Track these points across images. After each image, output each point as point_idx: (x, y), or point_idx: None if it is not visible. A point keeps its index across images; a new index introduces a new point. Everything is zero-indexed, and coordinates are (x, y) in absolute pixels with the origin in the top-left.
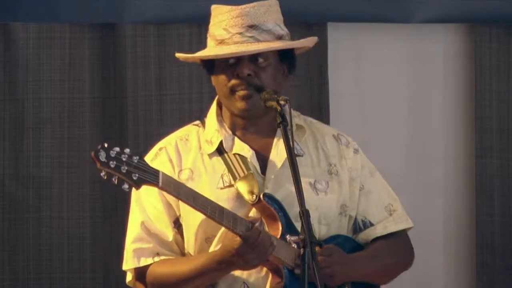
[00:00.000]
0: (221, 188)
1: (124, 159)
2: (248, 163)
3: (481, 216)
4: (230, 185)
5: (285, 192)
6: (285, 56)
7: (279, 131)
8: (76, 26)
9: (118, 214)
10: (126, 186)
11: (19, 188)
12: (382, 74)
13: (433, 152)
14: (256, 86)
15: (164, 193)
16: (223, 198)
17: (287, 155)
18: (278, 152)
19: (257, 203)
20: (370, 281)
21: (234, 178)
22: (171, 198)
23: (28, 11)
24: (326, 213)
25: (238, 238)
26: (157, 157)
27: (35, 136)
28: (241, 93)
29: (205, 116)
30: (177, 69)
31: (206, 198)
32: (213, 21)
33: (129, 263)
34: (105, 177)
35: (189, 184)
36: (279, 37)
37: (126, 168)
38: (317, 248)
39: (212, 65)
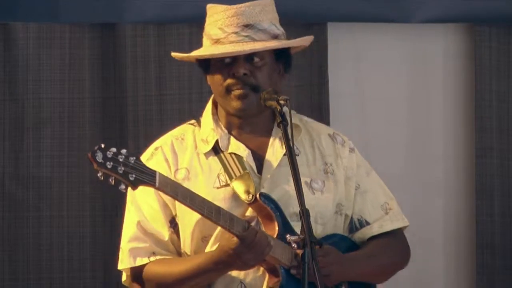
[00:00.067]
0: (218, 188)
1: (121, 160)
2: (244, 163)
3: (481, 216)
4: (226, 185)
5: (281, 192)
6: (281, 56)
7: (274, 131)
8: (76, 26)
9: (118, 214)
10: (123, 186)
11: (19, 187)
12: (382, 74)
13: (433, 152)
14: (252, 85)
15: (160, 192)
16: (219, 198)
17: (287, 155)
18: (274, 152)
19: (253, 203)
20: (367, 280)
21: (230, 178)
22: (167, 198)
23: (28, 11)
24: (322, 212)
25: (235, 239)
26: (153, 157)
27: (35, 136)
28: (237, 92)
29: (201, 115)
30: (177, 69)
31: (203, 198)
32: (208, 20)
33: (124, 263)
34: (102, 178)
35: (186, 184)
36: (275, 37)
37: (123, 168)
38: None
39: (207, 65)
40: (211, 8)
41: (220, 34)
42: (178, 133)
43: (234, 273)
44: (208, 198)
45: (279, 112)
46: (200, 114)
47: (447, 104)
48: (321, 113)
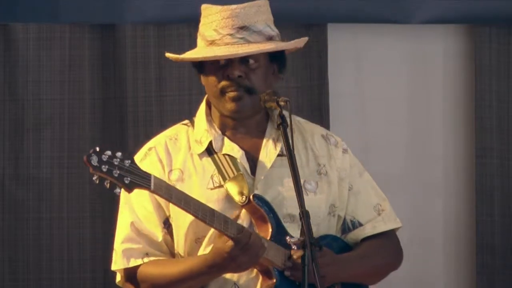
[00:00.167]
0: (211, 189)
1: (116, 163)
2: (237, 164)
3: (481, 216)
4: (220, 186)
5: (274, 193)
6: (276, 57)
7: (268, 132)
8: (76, 27)
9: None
10: (118, 190)
11: (19, 188)
12: (382, 75)
13: (433, 152)
14: (247, 87)
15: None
16: (213, 199)
17: (287, 157)
18: (267, 153)
19: (246, 204)
20: (360, 281)
21: (224, 179)
22: (161, 199)
23: (28, 11)
24: (315, 213)
25: (229, 242)
26: (147, 157)
27: (35, 136)
28: (231, 94)
29: (194, 115)
30: (177, 69)
31: (197, 201)
32: (203, 20)
33: (118, 264)
34: (98, 181)
35: (179, 185)
36: (269, 38)
37: (118, 172)
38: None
39: (202, 65)
40: (206, 9)
41: (215, 35)
42: (172, 134)
43: (228, 275)
44: (202, 199)
45: (279, 113)
46: (194, 114)
47: (447, 104)
48: (321, 114)
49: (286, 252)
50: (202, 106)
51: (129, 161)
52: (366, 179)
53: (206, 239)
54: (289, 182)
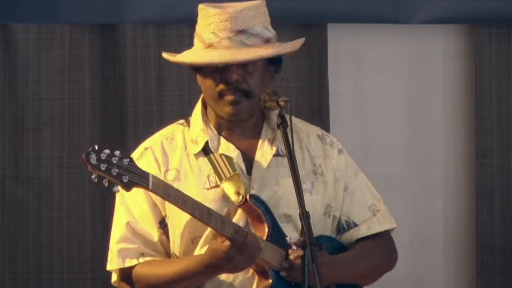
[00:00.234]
0: (208, 189)
1: (114, 162)
2: (233, 164)
3: (481, 216)
4: (216, 186)
5: (270, 193)
6: (272, 58)
7: (264, 132)
8: (76, 27)
9: None
10: (116, 188)
11: (19, 188)
12: (382, 75)
13: (433, 152)
14: (244, 91)
15: (150, 193)
16: (209, 199)
17: (287, 156)
18: (263, 153)
19: (243, 204)
20: (354, 282)
21: (220, 179)
22: (156, 198)
23: (28, 12)
24: (311, 214)
25: (226, 242)
26: (143, 157)
27: (35, 136)
28: (229, 98)
29: (190, 115)
30: (177, 69)
31: (195, 200)
32: (200, 22)
33: (113, 264)
34: (96, 180)
35: (176, 185)
36: (267, 40)
37: (116, 170)
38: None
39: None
40: (203, 10)
41: (213, 38)
42: (168, 133)
43: (223, 275)
44: (198, 199)
45: (279, 113)
46: (189, 114)
47: (447, 104)
48: (321, 114)
49: (282, 253)
50: (198, 106)
51: (128, 160)
52: (361, 179)
53: (202, 239)
54: (285, 182)
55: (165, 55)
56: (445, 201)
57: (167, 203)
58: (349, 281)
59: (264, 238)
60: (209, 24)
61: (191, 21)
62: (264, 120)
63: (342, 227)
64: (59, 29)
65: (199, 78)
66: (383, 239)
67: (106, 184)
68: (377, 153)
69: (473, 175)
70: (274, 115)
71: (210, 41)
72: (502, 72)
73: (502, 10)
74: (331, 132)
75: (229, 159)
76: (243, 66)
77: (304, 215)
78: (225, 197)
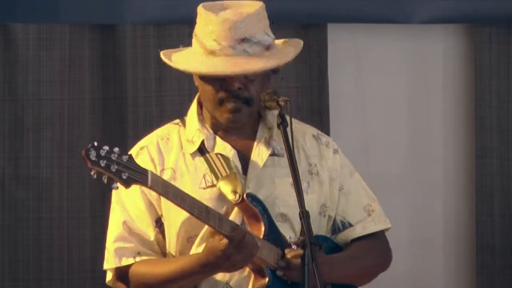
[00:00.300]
0: (204, 188)
1: (114, 158)
2: (230, 163)
3: (481, 216)
4: (212, 185)
5: (266, 193)
6: None
7: (260, 131)
8: (76, 27)
9: None
10: (116, 185)
11: (19, 188)
12: (382, 75)
13: (433, 152)
14: (245, 99)
15: (146, 192)
16: (205, 198)
17: (287, 156)
18: (259, 152)
19: (239, 203)
20: (350, 282)
21: (217, 178)
22: (153, 197)
23: (28, 12)
24: (308, 213)
25: (224, 240)
26: (139, 156)
27: (35, 136)
28: (230, 106)
29: (185, 114)
30: (177, 69)
31: (193, 198)
32: (202, 27)
33: (110, 263)
34: (95, 176)
35: None
36: (268, 47)
37: (116, 167)
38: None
39: None
40: (205, 16)
41: (215, 46)
42: (163, 133)
43: (219, 275)
44: None
45: (280, 113)
46: (185, 114)
47: (447, 104)
48: (321, 114)
49: (279, 251)
50: (193, 106)
51: (127, 157)
52: (357, 179)
53: (198, 239)
54: (281, 182)
55: (164, 58)
56: (445, 201)
57: (163, 202)
58: (344, 281)
59: (261, 237)
60: (211, 31)
61: (191, 21)
62: (260, 120)
63: (337, 227)
64: (59, 29)
65: (198, 82)
66: (378, 239)
67: (106, 181)
68: (377, 153)
69: (473, 175)
70: (270, 115)
71: (212, 48)
72: (502, 72)
73: (502, 10)
74: (331, 132)
75: (225, 158)
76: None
77: (304, 215)
78: (221, 196)
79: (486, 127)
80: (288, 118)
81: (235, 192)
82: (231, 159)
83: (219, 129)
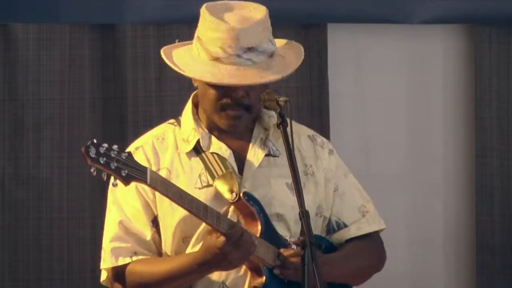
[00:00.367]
0: (199, 188)
1: (113, 155)
2: (225, 162)
3: (481, 216)
4: (208, 185)
5: (262, 192)
6: None
7: (255, 131)
8: (76, 27)
9: None
10: (115, 182)
11: (19, 188)
12: (382, 75)
13: (433, 152)
14: (247, 106)
15: (142, 192)
16: (201, 198)
17: (287, 156)
18: (255, 152)
19: (236, 202)
20: (344, 281)
21: (212, 177)
22: (149, 197)
23: (28, 11)
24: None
25: (221, 237)
26: (134, 156)
27: (35, 136)
28: (232, 113)
29: (180, 114)
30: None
31: (191, 196)
32: (207, 32)
33: (107, 262)
34: (95, 173)
35: None
36: (271, 55)
37: (115, 164)
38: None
39: None
40: (210, 20)
41: (220, 53)
42: (158, 133)
43: (215, 275)
44: None
45: (279, 113)
46: (179, 114)
47: (447, 104)
48: (321, 114)
49: (276, 250)
50: (188, 105)
51: (126, 154)
52: (351, 180)
53: (193, 239)
54: (276, 182)
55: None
56: (445, 201)
57: (158, 202)
58: (339, 280)
59: (258, 235)
60: (218, 38)
61: (191, 21)
62: (256, 120)
63: (332, 227)
64: (59, 29)
65: (198, 81)
66: (373, 240)
67: (105, 178)
68: (377, 153)
69: (473, 175)
70: (266, 115)
71: (217, 55)
72: (502, 72)
73: (502, 10)
74: (331, 132)
75: (221, 157)
76: None
77: (304, 215)
78: (217, 196)
79: (486, 127)
80: (287, 118)
81: (231, 191)
82: (227, 159)
83: (214, 128)
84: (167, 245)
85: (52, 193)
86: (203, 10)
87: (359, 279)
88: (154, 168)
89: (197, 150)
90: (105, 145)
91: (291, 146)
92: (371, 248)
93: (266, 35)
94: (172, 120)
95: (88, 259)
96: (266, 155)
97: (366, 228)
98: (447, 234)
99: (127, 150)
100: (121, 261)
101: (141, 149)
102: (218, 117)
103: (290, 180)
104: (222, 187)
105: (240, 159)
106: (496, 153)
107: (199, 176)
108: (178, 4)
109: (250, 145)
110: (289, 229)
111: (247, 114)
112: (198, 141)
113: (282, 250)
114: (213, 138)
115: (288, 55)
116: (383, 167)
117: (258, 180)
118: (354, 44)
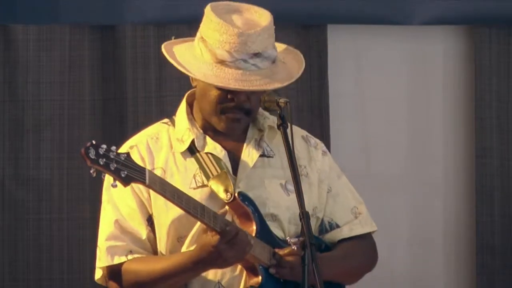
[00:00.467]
0: (194, 189)
1: (112, 157)
2: (220, 162)
3: (481, 216)
4: (203, 185)
5: (256, 193)
6: None
7: (250, 132)
8: (76, 28)
9: None
10: (114, 183)
11: (19, 189)
12: (382, 76)
13: (433, 152)
14: (247, 110)
15: (137, 191)
16: (196, 198)
17: (287, 157)
18: (249, 153)
19: (231, 202)
20: (337, 281)
21: (207, 177)
22: (144, 196)
23: (28, 12)
24: (297, 214)
25: (216, 236)
26: None
27: (35, 137)
28: (232, 116)
29: (174, 114)
30: (177, 69)
31: (188, 196)
32: (213, 33)
33: (102, 261)
34: (95, 175)
35: None
36: (274, 60)
37: (115, 165)
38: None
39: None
40: (217, 22)
41: (227, 56)
42: (152, 132)
43: (211, 274)
44: None
45: (279, 114)
46: (173, 113)
47: (447, 105)
48: (321, 114)
49: (271, 250)
50: (183, 105)
51: (125, 155)
52: (344, 182)
53: (188, 239)
54: (270, 183)
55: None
56: (445, 201)
57: (153, 202)
58: (333, 279)
59: (253, 235)
60: (225, 42)
61: (191, 21)
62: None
63: (325, 227)
64: (59, 29)
65: (199, 81)
66: (365, 241)
67: (104, 178)
68: (377, 153)
69: (473, 175)
70: (261, 117)
71: (223, 58)
72: (502, 72)
73: (502, 10)
74: (331, 132)
75: (215, 157)
76: None
77: (304, 215)
78: (211, 196)
79: (486, 127)
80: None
81: (226, 191)
82: (222, 159)
83: (209, 128)
84: (162, 245)
85: (52, 193)
86: (208, 11)
87: (351, 279)
88: (148, 167)
89: (192, 150)
90: (104, 146)
91: (292, 148)
92: (364, 249)
93: (271, 42)
94: (166, 120)
95: (88, 259)
96: (261, 155)
97: (358, 229)
98: (447, 234)
99: (121, 148)
100: (117, 260)
101: (136, 148)
102: (217, 119)
103: (284, 181)
104: (217, 187)
105: (235, 159)
106: (496, 153)
107: (194, 176)
108: (178, 4)
109: (244, 145)
110: (283, 229)
111: (246, 118)
112: (192, 141)
113: (277, 250)
114: (208, 139)
115: (288, 60)
116: (383, 167)
117: (252, 181)
118: (354, 44)
